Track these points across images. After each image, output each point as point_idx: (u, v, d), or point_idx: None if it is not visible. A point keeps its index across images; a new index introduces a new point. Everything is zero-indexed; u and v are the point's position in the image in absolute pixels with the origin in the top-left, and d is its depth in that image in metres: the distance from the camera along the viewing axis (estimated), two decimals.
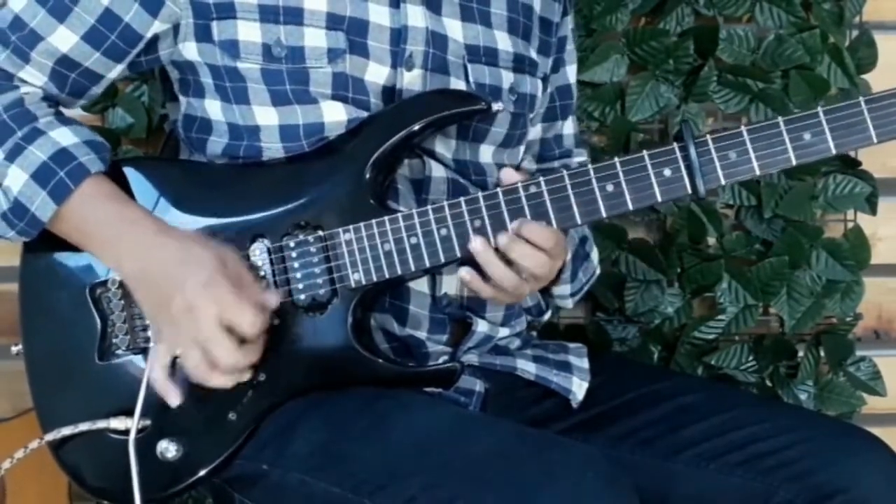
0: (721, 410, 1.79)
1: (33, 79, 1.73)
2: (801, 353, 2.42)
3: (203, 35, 1.71)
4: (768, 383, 2.41)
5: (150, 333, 1.71)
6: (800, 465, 1.71)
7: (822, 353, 2.42)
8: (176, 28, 1.72)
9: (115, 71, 1.75)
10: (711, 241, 2.41)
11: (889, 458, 1.73)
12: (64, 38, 1.70)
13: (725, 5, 2.34)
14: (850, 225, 2.43)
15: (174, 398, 1.66)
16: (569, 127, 1.99)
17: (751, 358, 2.41)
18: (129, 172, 1.74)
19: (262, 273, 1.69)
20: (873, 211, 2.39)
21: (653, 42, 2.35)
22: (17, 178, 1.67)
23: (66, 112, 1.78)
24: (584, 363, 1.87)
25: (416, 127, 1.70)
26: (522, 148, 1.89)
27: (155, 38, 1.73)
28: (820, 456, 1.71)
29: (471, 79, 1.77)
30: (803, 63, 2.34)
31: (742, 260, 2.41)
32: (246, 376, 1.65)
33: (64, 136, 1.69)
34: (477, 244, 1.65)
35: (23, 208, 1.67)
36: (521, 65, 1.83)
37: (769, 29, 2.36)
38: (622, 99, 2.36)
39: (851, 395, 2.42)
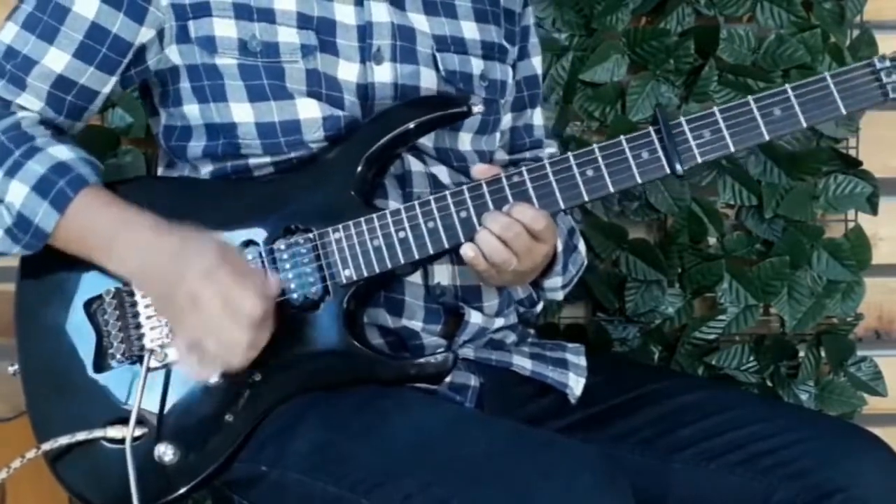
0: (721, 410, 1.79)
1: (30, 104, 1.75)
2: (801, 354, 2.42)
3: (182, 36, 1.73)
4: (769, 383, 2.42)
5: (145, 342, 1.71)
6: (800, 465, 1.71)
7: (822, 354, 2.42)
8: (161, 33, 1.74)
9: (109, 85, 1.76)
10: (712, 241, 2.42)
11: (889, 458, 1.72)
12: (56, 59, 1.72)
13: (726, 5, 2.35)
14: (851, 225, 2.43)
15: (214, 377, 1.66)
16: (538, 117, 2.01)
17: (751, 358, 2.41)
18: (122, 192, 1.74)
19: None
20: (874, 211, 2.39)
21: (653, 42, 2.35)
22: (19, 193, 1.68)
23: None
24: (582, 361, 1.87)
25: (399, 132, 1.72)
26: (498, 135, 1.92)
27: (142, 48, 1.75)
28: (820, 455, 1.71)
29: (441, 67, 1.81)
30: (804, 63, 2.35)
31: (743, 260, 2.42)
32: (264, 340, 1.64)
33: (61, 152, 1.71)
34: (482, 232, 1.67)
35: (26, 221, 1.68)
36: (491, 52, 1.87)
37: (770, 29, 2.37)
38: (622, 99, 2.37)
39: (852, 395, 2.42)
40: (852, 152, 2.40)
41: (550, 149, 2.02)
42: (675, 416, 1.79)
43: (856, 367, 2.42)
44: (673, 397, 1.82)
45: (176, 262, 1.61)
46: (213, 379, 1.66)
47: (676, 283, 2.41)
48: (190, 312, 1.60)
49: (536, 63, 2.00)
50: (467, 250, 1.67)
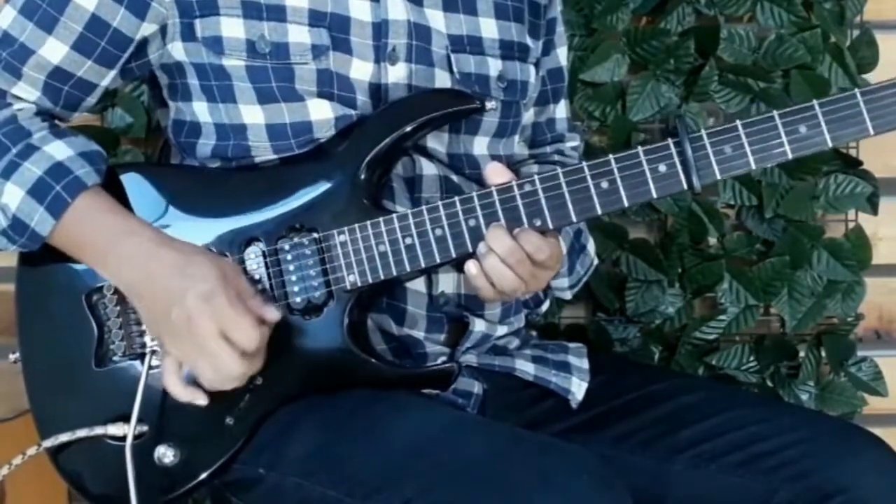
0: (721, 410, 1.78)
1: (26, 94, 1.73)
2: (802, 354, 2.42)
3: (188, 34, 1.71)
4: (769, 384, 2.41)
5: (146, 339, 1.71)
6: (800, 465, 1.70)
7: (823, 354, 2.42)
8: (163, 29, 1.72)
9: (108, 78, 1.75)
10: (712, 241, 2.42)
11: (890, 459, 1.72)
12: (54, 50, 1.70)
13: (726, 5, 2.34)
14: (852, 225, 2.43)
15: (201, 399, 1.65)
16: (561, 111, 1.98)
17: (752, 358, 2.41)
18: (125, 179, 1.74)
19: (257, 277, 1.68)
20: (874, 211, 2.39)
21: (654, 41, 2.35)
22: (14, 195, 1.67)
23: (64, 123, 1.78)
24: (584, 363, 1.87)
25: (408, 128, 1.69)
26: (517, 137, 1.89)
27: (144, 42, 1.73)
28: (820, 456, 1.71)
29: (455, 69, 1.77)
30: (804, 63, 2.35)
31: (743, 260, 2.41)
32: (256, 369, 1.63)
33: (59, 150, 1.69)
34: (479, 246, 1.65)
35: (22, 224, 1.67)
36: (511, 51, 1.82)
37: (770, 28, 2.36)
38: (623, 98, 2.36)
39: (853, 395, 2.42)
40: (852, 152, 2.40)
41: (572, 142, 2.00)
42: (675, 416, 1.79)
43: (856, 367, 2.42)
44: (673, 398, 1.81)
45: (176, 281, 1.60)
46: (201, 403, 1.65)
47: (677, 283, 2.40)
48: (184, 335, 1.59)
49: (562, 53, 1.96)
50: (471, 267, 1.64)
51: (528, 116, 1.94)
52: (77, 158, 1.69)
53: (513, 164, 1.91)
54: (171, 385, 1.65)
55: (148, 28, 1.71)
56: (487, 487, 1.50)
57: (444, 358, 1.76)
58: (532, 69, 1.87)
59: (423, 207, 1.67)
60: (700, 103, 2.36)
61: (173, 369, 1.64)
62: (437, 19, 1.77)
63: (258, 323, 1.60)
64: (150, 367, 1.70)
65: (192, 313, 1.58)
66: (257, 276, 1.68)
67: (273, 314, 1.63)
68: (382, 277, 1.67)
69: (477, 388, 1.77)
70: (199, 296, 1.58)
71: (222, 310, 1.58)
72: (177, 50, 1.73)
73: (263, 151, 1.73)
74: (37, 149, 1.69)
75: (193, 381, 1.65)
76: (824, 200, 2.38)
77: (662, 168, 1.64)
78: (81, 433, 1.70)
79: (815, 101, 1.63)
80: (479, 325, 1.78)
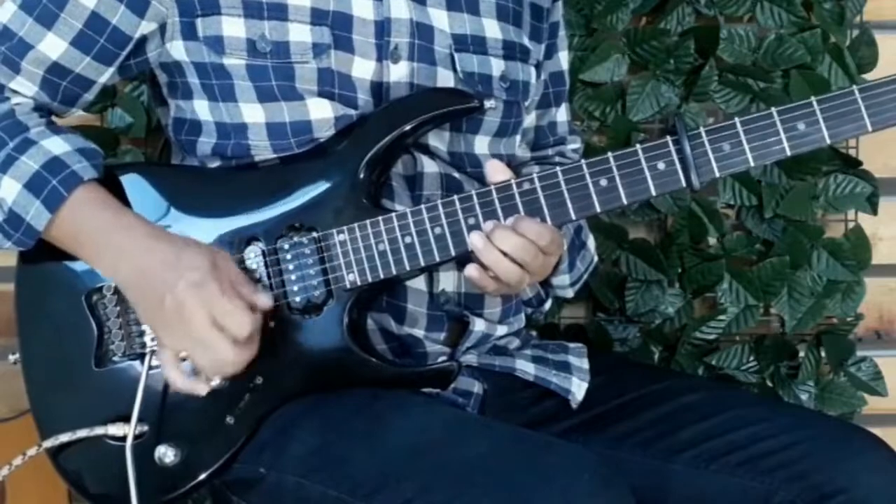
0: (721, 410, 1.78)
1: (24, 88, 1.73)
2: (801, 354, 2.42)
3: (189, 33, 1.71)
4: (769, 383, 2.41)
5: (146, 339, 1.71)
6: (800, 465, 1.70)
7: (822, 354, 2.42)
8: (163, 27, 1.72)
9: (106, 75, 1.75)
10: (712, 241, 2.42)
11: (889, 459, 1.72)
12: (53, 45, 1.71)
13: (726, 5, 2.35)
14: (851, 225, 2.43)
15: (202, 389, 1.65)
16: (562, 114, 1.98)
17: (751, 358, 2.41)
18: (124, 179, 1.74)
19: (257, 276, 1.69)
20: (874, 211, 2.39)
21: (653, 42, 2.35)
22: (11, 189, 1.67)
23: (61, 120, 1.78)
24: (584, 363, 1.87)
25: (408, 127, 1.70)
26: (518, 137, 1.88)
27: (143, 40, 1.73)
28: (820, 456, 1.71)
29: (458, 68, 1.77)
30: (804, 63, 2.35)
31: (743, 260, 2.41)
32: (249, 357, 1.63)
33: (55, 145, 1.69)
34: (476, 239, 1.64)
35: (18, 218, 1.67)
36: (513, 52, 1.83)
37: (770, 28, 2.36)
38: (623, 99, 2.36)
39: (852, 395, 2.42)
40: (852, 152, 2.40)
41: (573, 145, 2.00)
42: (675, 416, 1.79)
43: (856, 367, 2.42)
44: (673, 398, 1.81)
45: (168, 271, 1.61)
46: (201, 393, 1.65)
47: (676, 283, 2.40)
48: (177, 324, 1.60)
49: (563, 58, 1.96)
50: (472, 271, 1.64)
51: (531, 120, 1.94)
52: (74, 153, 1.69)
53: (514, 166, 1.91)
54: (171, 376, 1.65)
55: (147, 27, 1.72)
56: (488, 487, 1.50)
57: (444, 357, 1.76)
58: (533, 70, 1.88)
59: (423, 206, 1.67)
60: (700, 103, 2.36)
61: (172, 360, 1.65)
62: (440, 18, 1.77)
63: (250, 310, 1.60)
64: (151, 368, 1.70)
65: (184, 302, 1.58)
66: (257, 276, 1.69)
67: (264, 301, 1.63)
68: (382, 276, 1.67)
69: (477, 387, 1.78)
70: (190, 284, 1.59)
71: (213, 297, 1.58)
72: (176, 49, 1.73)
73: (263, 151, 1.73)
74: (34, 143, 1.69)
75: (194, 373, 1.65)
76: (824, 200, 2.38)
77: (661, 166, 1.65)
78: (82, 433, 1.71)
79: (813, 99, 1.64)
80: (478, 325, 1.78)
